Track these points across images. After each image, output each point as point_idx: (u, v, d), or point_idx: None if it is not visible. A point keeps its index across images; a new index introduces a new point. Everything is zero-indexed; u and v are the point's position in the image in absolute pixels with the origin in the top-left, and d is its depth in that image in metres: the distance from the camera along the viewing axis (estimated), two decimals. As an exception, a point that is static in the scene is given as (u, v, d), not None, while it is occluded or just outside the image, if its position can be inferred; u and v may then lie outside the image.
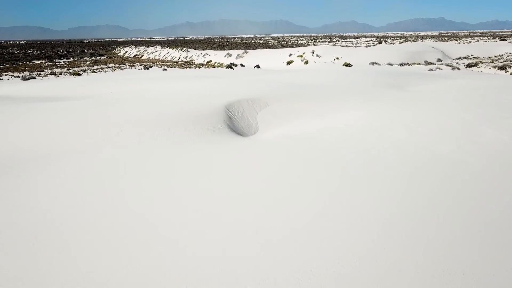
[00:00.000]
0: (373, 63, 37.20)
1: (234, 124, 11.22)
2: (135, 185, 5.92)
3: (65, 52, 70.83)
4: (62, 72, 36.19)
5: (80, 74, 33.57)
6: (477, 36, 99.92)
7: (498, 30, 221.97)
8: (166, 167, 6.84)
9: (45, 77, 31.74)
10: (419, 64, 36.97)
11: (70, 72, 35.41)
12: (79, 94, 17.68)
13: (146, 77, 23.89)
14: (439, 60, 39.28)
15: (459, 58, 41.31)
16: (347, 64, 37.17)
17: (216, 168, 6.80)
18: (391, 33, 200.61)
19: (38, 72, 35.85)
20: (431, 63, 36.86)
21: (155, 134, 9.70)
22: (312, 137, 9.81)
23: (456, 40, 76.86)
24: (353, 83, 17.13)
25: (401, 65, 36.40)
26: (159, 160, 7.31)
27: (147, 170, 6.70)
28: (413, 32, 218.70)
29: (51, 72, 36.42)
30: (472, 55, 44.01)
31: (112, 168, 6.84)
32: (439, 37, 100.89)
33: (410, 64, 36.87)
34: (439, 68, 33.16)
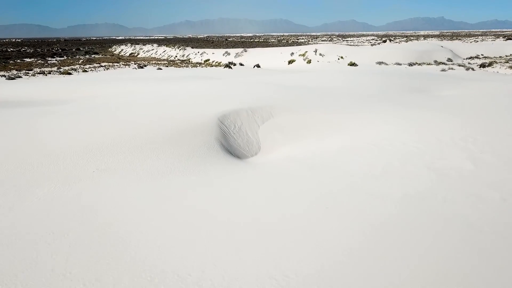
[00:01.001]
0: (380, 63, 34.49)
1: (229, 143, 8.54)
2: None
3: (60, 50, 68.01)
4: (51, 71, 33.64)
5: (70, 73, 31.04)
6: (479, 35, 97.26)
7: (498, 30, 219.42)
8: (119, 231, 4.11)
9: (33, 76, 29.35)
10: (429, 64, 34.26)
11: (60, 71, 32.91)
12: (51, 98, 14.98)
13: (136, 78, 21.19)
14: (449, 59, 36.58)
15: (470, 58, 38.62)
16: (352, 64, 34.44)
17: (199, 234, 4.08)
18: (391, 32, 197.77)
19: (27, 71, 33.23)
20: (442, 63, 34.15)
21: (122, 161, 7.00)
22: (332, 163, 7.16)
23: (460, 39, 74.17)
24: (369, 87, 14.41)
25: (410, 65, 33.72)
26: (114, 213, 4.59)
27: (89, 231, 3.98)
28: (413, 32, 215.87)
29: (40, 71, 33.85)
30: (482, 55, 41.33)
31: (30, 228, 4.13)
32: (441, 36, 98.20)
33: (419, 64, 34.17)
34: (452, 69, 30.43)
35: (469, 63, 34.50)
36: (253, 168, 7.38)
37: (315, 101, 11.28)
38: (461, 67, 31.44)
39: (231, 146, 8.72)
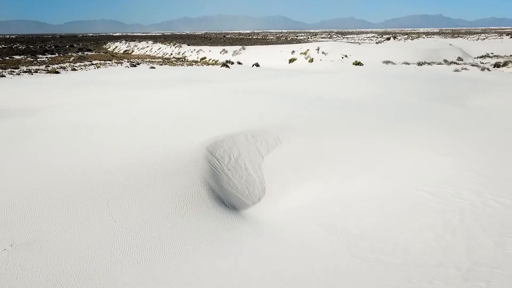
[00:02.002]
0: (386, 62, 31.82)
1: (221, 185, 5.95)
2: None
3: (53, 47, 64.96)
4: (39, 69, 30.93)
5: (58, 72, 28.41)
6: (480, 33, 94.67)
7: (497, 27, 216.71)
8: None
9: (17, 75, 26.83)
10: (439, 63, 31.61)
11: (48, 70, 30.25)
12: (19, 105, 12.36)
13: (123, 81, 18.48)
14: (459, 58, 33.91)
15: (482, 57, 35.94)
16: (357, 63, 31.76)
17: None
18: (389, 30, 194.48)
19: (12, 70, 30.49)
20: (453, 62, 31.51)
21: (46, 232, 4.38)
22: (371, 229, 4.57)
23: (461, 37, 71.51)
24: (392, 97, 11.77)
25: (419, 64, 31.09)
26: None
27: None
28: (412, 29, 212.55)
29: (27, 69, 31.13)
30: (492, 53, 38.65)
31: None
32: (441, 34, 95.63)
33: (429, 63, 31.52)
34: (465, 69, 27.78)
35: (481, 63, 31.85)
36: (254, 234, 4.79)
37: (332, 119, 8.62)
38: (474, 67, 28.80)
39: (224, 191, 6.09)
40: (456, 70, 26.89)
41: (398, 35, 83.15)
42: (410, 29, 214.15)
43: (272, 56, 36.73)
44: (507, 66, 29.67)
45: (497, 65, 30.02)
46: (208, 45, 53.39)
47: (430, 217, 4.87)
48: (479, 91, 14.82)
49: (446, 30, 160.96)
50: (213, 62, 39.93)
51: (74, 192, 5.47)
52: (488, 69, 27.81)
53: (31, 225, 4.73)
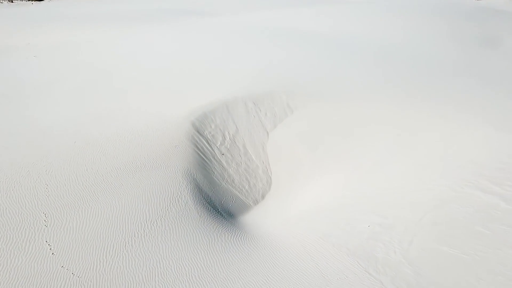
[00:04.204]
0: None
1: (212, 179, 4.22)
2: None
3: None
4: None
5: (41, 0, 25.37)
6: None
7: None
8: None
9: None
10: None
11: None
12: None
13: (104, 13, 15.77)
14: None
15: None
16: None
17: None
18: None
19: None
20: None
21: None
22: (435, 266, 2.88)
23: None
24: (427, 42, 9.46)
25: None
26: None
27: None
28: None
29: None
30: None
31: None
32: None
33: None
34: None
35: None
36: (257, 264, 3.11)
37: (362, 74, 6.51)
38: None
39: (215, 187, 4.31)
40: None
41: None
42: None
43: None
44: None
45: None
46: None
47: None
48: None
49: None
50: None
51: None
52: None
53: None
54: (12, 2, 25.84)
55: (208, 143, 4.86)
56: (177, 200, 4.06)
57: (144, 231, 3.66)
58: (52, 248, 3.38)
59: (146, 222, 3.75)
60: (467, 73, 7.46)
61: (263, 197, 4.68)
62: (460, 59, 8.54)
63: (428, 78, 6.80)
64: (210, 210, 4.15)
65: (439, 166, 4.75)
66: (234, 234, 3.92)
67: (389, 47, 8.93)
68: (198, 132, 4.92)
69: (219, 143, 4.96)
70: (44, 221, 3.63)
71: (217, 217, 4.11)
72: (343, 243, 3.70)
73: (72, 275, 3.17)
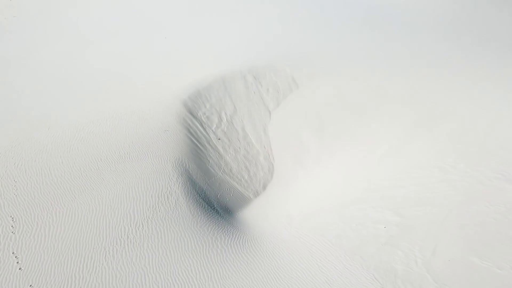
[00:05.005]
0: None
1: (207, 169, 3.76)
2: None
3: None
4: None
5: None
6: None
7: None
8: None
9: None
10: None
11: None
12: None
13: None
14: None
15: None
16: None
17: None
18: None
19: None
20: None
21: None
22: None
23: None
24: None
25: None
26: None
27: None
28: None
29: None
30: None
31: None
32: None
33: None
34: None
35: None
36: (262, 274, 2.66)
37: (379, 44, 5.73)
38: None
39: (211, 178, 3.78)
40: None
41: None
42: None
43: None
44: None
45: None
46: None
47: None
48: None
49: None
50: None
51: None
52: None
53: None
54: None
55: (202, 127, 4.24)
56: (166, 197, 3.52)
57: (127, 237, 3.15)
58: (20, 262, 2.89)
59: (130, 225, 3.24)
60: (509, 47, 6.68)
61: (264, 187, 4.14)
62: (503, 29, 7.67)
63: (463, 51, 6.00)
64: (204, 207, 3.63)
65: (464, 153, 4.18)
66: (231, 236, 3.42)
67: (411, 11, 7.95)
68: (190, 113, 4.28)
69: (214, 126, 4.34)
70: (11, 227, 3.11)
71: (212, 215, 3.60)
72: (356, 250, 3.20)
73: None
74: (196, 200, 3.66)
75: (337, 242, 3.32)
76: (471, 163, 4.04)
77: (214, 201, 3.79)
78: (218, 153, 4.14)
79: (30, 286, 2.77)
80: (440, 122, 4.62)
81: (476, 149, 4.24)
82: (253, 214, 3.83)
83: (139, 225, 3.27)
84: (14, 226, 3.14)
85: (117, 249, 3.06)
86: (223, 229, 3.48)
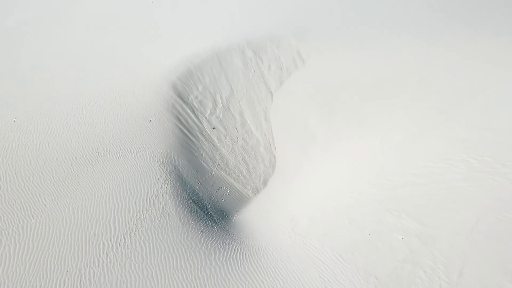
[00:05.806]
0: None
1: (199, 164, 3.19)
2: None
3: None
4: None
5: None
6: None
7: None
8: None
9: None
10: None
11: None
12: None
13: None
14: None
15: None
16: None
17: None
18: None
19: None
20: None
21: None
22: None
23: None
24: None
25: None
26: None
27: None
28: None
29: None
30: None
31: None
32: None
33: None
34: None
35: None
36: None
37: (395, 11, 4.94)
38: None
39: (205, 175, 3.27)
40: None
41: None
42: None
43: None
44: None
45: None
46: None
47: None
48: None
49: None
50: None
51: None
52: None
53: None
54: None
55: (194, 114, 3.64)
56: (152, 203, 3.03)
57: (107, 255, 2.70)
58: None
59: (110, 240, 2.78)
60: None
61: (265, 183, 3.64)
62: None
63: (496, 20, 5.19)
64: (196, 213, 3.15)
65: (491, 144, 3.62)
66: (227, 249, 2.97)
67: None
68: (180, 97, 3.66)
69: (208, 112, 3.74)
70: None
71: (205, 222, 3.13)
72: (370, 268, 2.77)
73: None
74: (187, 204, 3.17)
75: (348, 258, 2.87)
76: (499, 156, 3.50)
77: (208, 204, 3.30)
78: (213, 144, 3.59)
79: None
80: (463, 106, 4.01)
81: (504, 139, 3.68)
82: (252, 218, 3.37)
83: (120, 239, 2.82)
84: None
85: (94, 272, 2.62)
86: (217, 240, 3.02)
